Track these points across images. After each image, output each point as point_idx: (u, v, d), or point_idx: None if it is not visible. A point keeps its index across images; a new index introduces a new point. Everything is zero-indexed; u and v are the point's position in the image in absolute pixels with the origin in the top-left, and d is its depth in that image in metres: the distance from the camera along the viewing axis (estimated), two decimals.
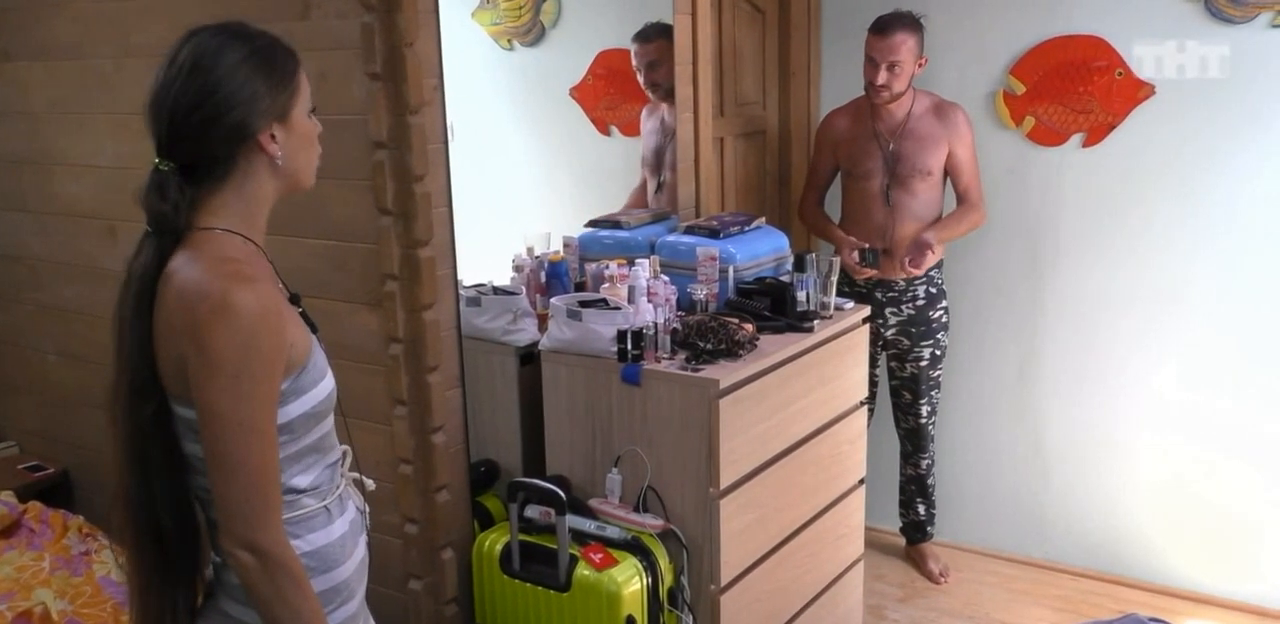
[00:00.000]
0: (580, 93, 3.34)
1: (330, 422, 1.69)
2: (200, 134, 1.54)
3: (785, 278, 3.04)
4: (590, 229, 3.14)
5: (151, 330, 1.55)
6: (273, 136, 1.57)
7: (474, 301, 2.75)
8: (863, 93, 3.56)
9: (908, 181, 3.50)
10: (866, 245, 3.46)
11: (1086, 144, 3.62)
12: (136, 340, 1.55)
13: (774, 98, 4.05)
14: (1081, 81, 3.57)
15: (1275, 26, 3.29)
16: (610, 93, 3.40)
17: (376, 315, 2.48)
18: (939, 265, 3.63)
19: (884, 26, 3.38)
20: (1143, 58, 3.48)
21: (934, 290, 3.61)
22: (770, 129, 4.06)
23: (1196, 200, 3.49)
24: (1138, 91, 3.50)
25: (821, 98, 4.05)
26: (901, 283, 3.57)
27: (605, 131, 3.41)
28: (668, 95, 3.33)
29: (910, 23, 3.41)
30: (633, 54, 3.33)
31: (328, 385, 1.64)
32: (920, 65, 3.45)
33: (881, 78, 3.40)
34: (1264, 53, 3.32)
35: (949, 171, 3.54)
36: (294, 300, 1.69)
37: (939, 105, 3.53)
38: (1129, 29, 3.48)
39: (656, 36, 3.30)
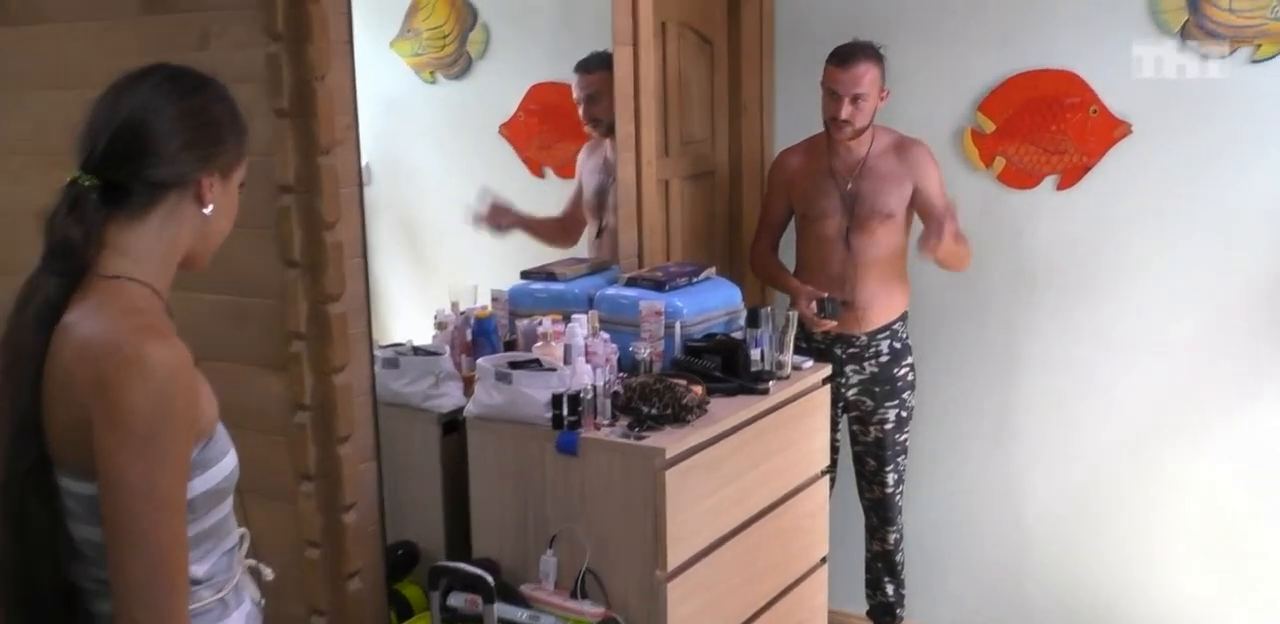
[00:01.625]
0: (511, 130, 3.34)
1: (230, 502, 1.65)
2: (143, 154, 1.54)
3: (738, 334, 3.04)
4: (522, 281, 3.13)
5: (43, 370, 1.50)
6: (211, 185, 1.59)
7: (391, 363, 2.72)
8: (819, 129, 3.58)
9: (868, 224, 3.51)
10: (825, 295, 3.46)
11: (1061, 186, 3.67)
12: (29, 373, 1.49)
13: (724, 135, 4.06)
14: (1054, 119, 3.62)
15: (1256, 62, 3.37)
16: (544, 130, 3.40)
17: (281, 379, 2.43)
18: (903, 318, 3.63)
19: (846, 57, 3.41)
20: (1118, 94, 3.54)
21: (898, 345, 3.62)
22: (720, 170, 4.07)
23: (1181, 246, 3.54)
24: (1114, 130, 3.55)
25: (776, 135, 4.07)
26: (863, 338, 3.57)
27: (539, 173, 3.41)
28: (609, 131, 3.34)
29: (873, 53, 3.44)
30: (574, 85, 3.35)
31: (232, 460, 1.62)
32: (883, 99, 3.48)
33: (845, 112, 3.41)
34: (1245, 89, 3.39)
35: (919, 211, 3.55)
36: None
37: (900, 142, 3.56)
38: (1103, 64, 3.54)
39: (599, 67, 3.32)
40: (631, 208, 3.40)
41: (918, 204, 3.54)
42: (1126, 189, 3.57)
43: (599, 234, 3.42)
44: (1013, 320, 3.80)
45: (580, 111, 3.36)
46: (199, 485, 1.55)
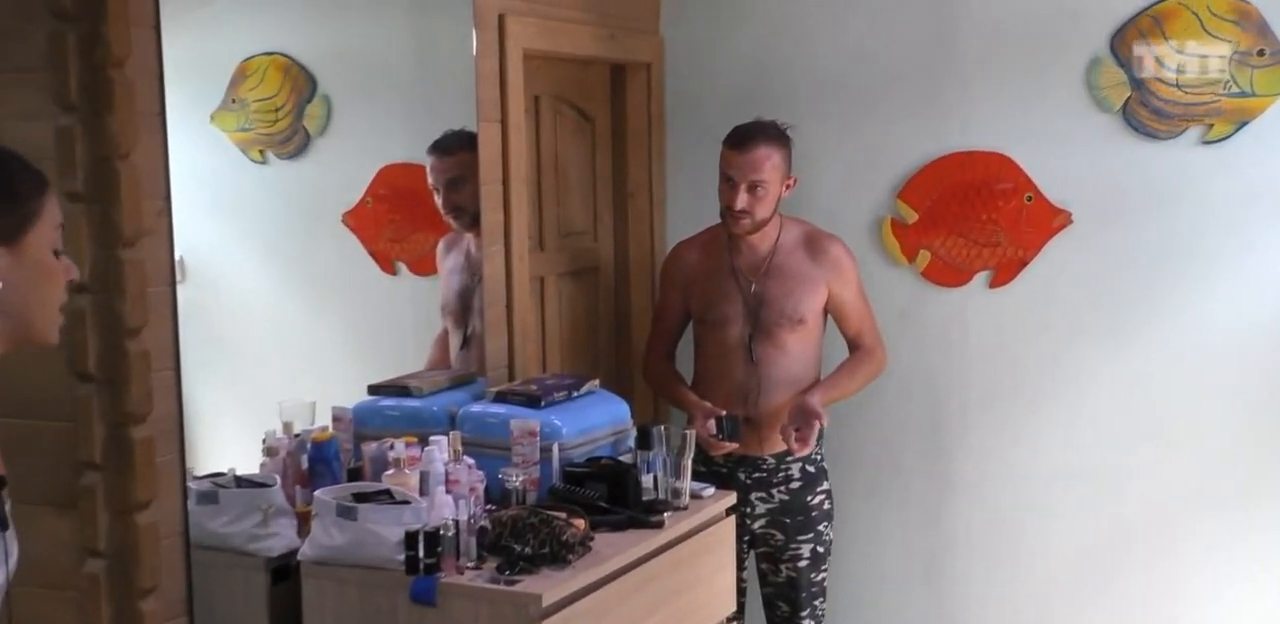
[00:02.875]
0: (357, 219, 3.31)
1: None
2: None
3: (626, 458, 3.03)
4: (369, 397, 3.10)
5: None
6: None
7: (209, 497, 2.64)
8: (718, 220, 3.58)
9: (775, 331, 3.51)
10: (724, 412, 3.44)
11: (994, 283, 3.71)
12: None
13: (608, 226, 4.08)
14: (984, 207, 3.68)
15: (1208, 142, 3.47)
16: (396, 219, 3.37)
17: (68, 520, 2.36)
18: (819, 438, 3.60)
19: (743, 139, 3.43)
20: (1056, 179, 3.61)
21: (812, 469, 3.58)
22: (604, 265, 4.07)
23: (1133, 349, 3.60)
24: (1052, 219, 3.62)
25: (668, 226, 4.10)
26: (770, 460, 3.54)
27: (390, 269, 3.37)
28: (474, 223, 3.34)
29: (775, 134, 3.46)
30: (429, 169, 3.34)
31: None
32: (788, 187, 3.49)
33: (741, 201, 3.42)
34: (1195, 173, 3.49)
35: (834, 317, 3.58)
36: None
37: (812, 236, 3.57)
38: (1038, 145, 3.62)
39: (459, 148, 3.32)
40: (500, 310, 3.38)
41: (833, 309, 3.56)
42: (1069, 286, 3.63)
43: (464, 343, 3.39)
44: (943, 438, 3.81)
45: (438, 200, 3.36)
46: None
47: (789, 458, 3.54)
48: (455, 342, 3.40)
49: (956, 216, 3.70)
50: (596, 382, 3.23)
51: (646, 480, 2.91)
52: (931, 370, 3.79)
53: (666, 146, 4.09)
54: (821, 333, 3.59)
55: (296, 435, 2.87)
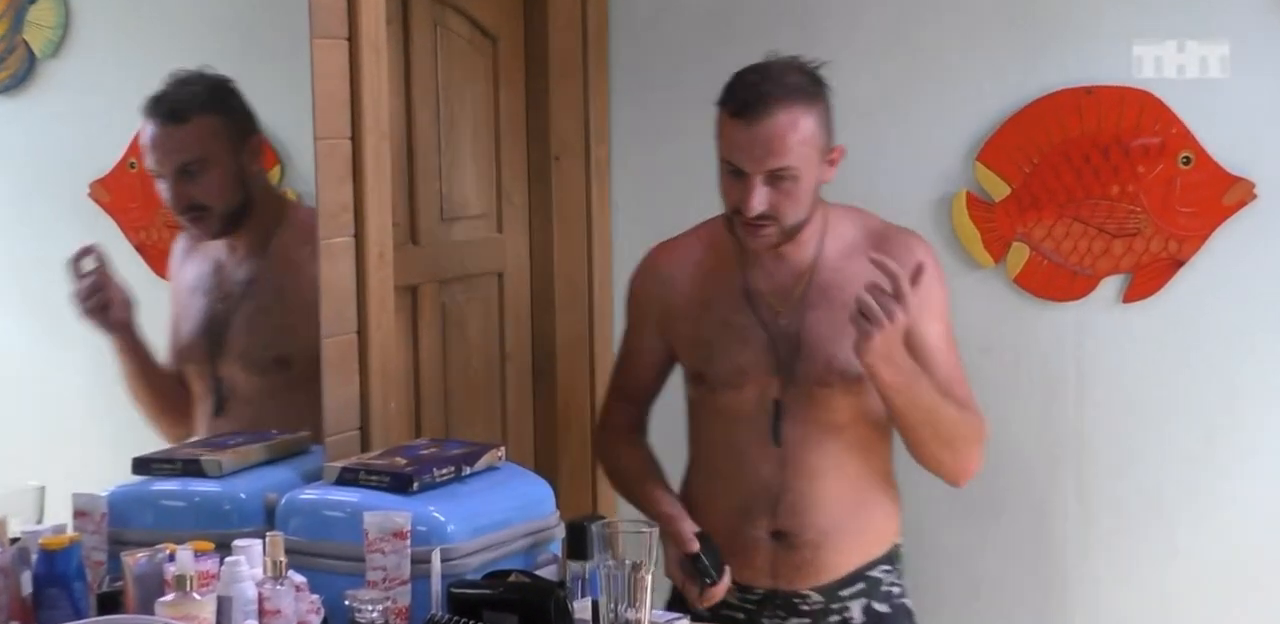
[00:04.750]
0: (114, 190, 3.32)
1: None
2: None
3: (549, 572, 3.04)
4: (137, 479, 3.10)
5: None
6: None
7: None
8: (703, 196, 3.50)
9: (818, 394, 3.39)
10: (697, 530, 3.36)
11: (1131, 296, 3.71)
12: None
13: (520, 207, 4.11)
14: (1115, 176, 3.67)
15: None
16: None
17: None
18: (892, 558, 3.53)
19: (751, 100, 3.23)
20: (1229, 131, 3.59)
21: (885, 609, 3.49)
22: (514, 268, 4.10)
23: None
24: (1223, 194, 3.60)
25: (614, 205, 4.14)
26: (816, 597, 3.45)
27: (165, 272, 3.38)
28: (226, 228, 3.38)
29: (802, 86, 3.28)
30: (145, 146, 3.32)
31: None
32: (832, 161, 3.33)
33: (759, 201, 3.25)
34: None
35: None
36: None
37: (878, 235, 3.44)
38: (1200, 77, 3.61)
39: (201, 108, 3.34)
40: (347, 339, 3.37)
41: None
42: (1249, 299, 3.63)
43: (218, 408, 3.40)
44: (1051, 546, 3.84)
45: (163, 192, 3.34)
46: None
47: (846, 592, 3.44)
48: (204, 408, 3.40)
49: (1070, 190, 3.70)
50: (502, 452, 3.18)
51: (582, 608, 2.88)
52: (1031, 434, 3.81)
53: (611, 82, 4.10)
54: None
55: (15, 540, 2.83)
